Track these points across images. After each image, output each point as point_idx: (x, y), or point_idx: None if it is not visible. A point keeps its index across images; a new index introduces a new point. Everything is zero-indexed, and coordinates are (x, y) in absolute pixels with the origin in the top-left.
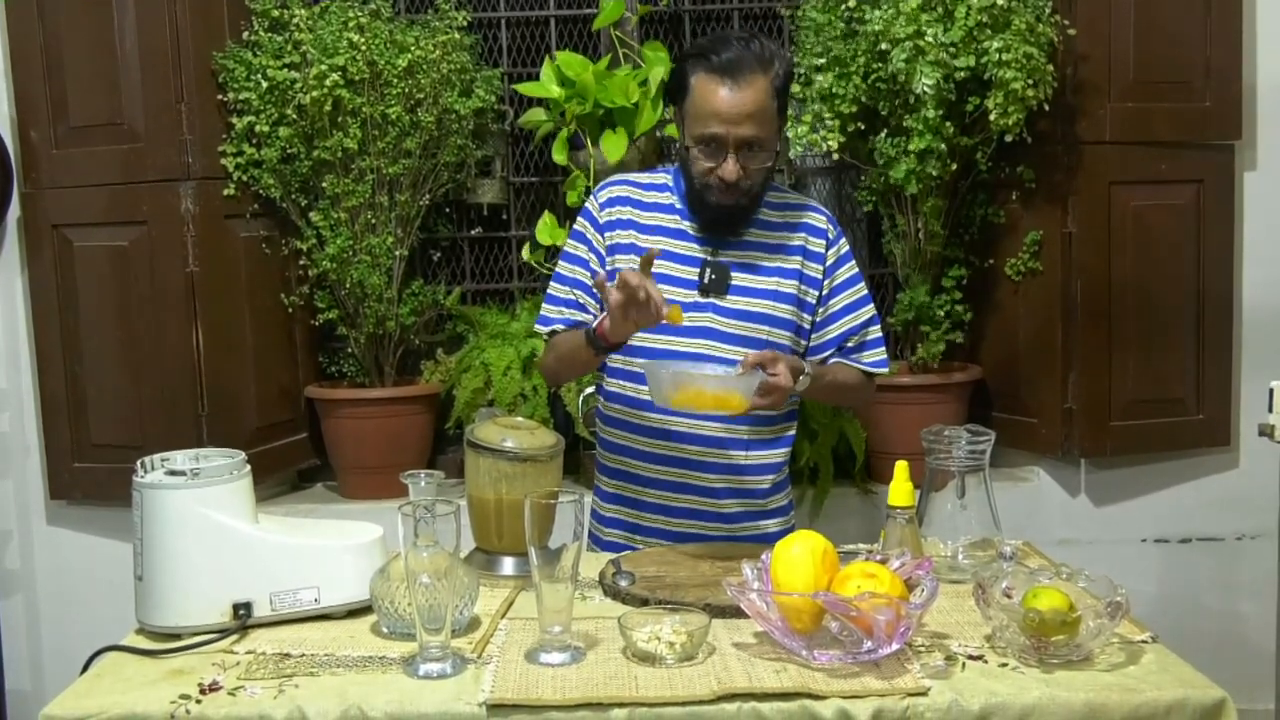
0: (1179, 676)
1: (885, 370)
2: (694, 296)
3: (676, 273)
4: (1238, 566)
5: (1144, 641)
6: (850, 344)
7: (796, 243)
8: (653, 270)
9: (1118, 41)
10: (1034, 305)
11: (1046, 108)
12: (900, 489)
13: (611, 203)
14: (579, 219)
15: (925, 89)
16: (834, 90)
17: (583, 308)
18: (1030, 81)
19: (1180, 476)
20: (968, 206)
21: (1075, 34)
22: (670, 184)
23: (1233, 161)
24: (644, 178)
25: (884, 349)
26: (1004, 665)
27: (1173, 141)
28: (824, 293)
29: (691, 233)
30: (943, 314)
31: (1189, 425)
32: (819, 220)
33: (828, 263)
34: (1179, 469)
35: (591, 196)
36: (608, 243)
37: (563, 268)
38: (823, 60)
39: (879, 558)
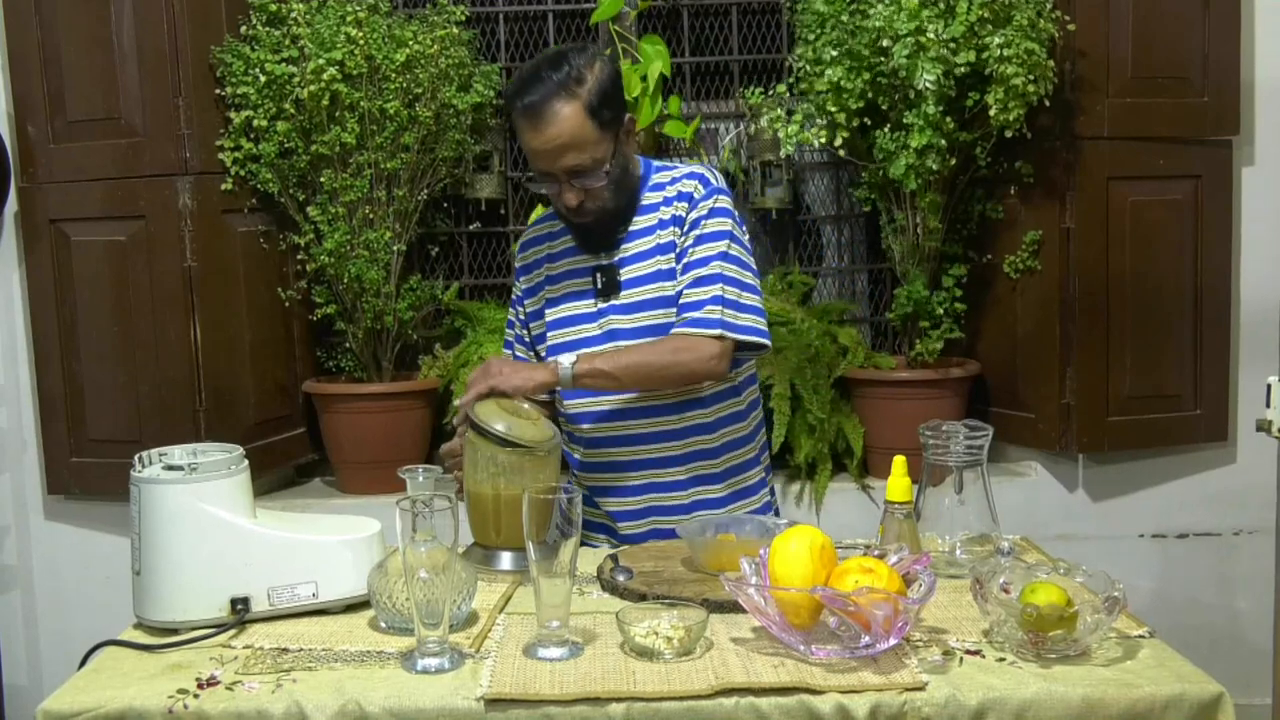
0: (1176, 671)
1: (711, 330)
2: (596, 305)
3: (576, 288)
4: (1235, 562)
5: (1141, 636)
6: (682, 301)
7: (670, 214)
8: (561, 294)
9: (1117, 37)
10: (1032, 301)
11: (1046, 103)
12: (898, 484)
13: (525, 246)
14: None
15: (927, 85)
16: (843, 84)
17: (517, 341)
18: (1031, 77)
19: (1178, 472)
20: (966, 202)
21: (1075, 30)
22: None
23: (1231, 157)
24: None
25: (706, 309)
26: (1001, 660)
27: (1171, 137)
28: (680, 253)
29: (580, 245)
30: (941, 310)
31: (1187, 421)
32: (688, 185)
33: (685, 225)
34: (1176, 464)
35: None
36: (524, 286)
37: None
38: (835, 53)
39: (877, 553)
